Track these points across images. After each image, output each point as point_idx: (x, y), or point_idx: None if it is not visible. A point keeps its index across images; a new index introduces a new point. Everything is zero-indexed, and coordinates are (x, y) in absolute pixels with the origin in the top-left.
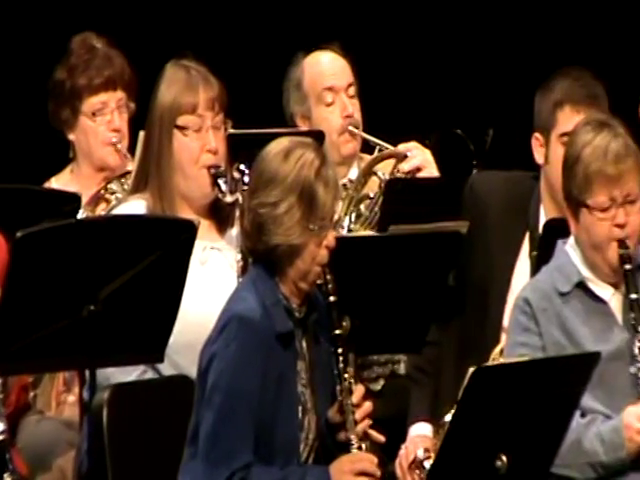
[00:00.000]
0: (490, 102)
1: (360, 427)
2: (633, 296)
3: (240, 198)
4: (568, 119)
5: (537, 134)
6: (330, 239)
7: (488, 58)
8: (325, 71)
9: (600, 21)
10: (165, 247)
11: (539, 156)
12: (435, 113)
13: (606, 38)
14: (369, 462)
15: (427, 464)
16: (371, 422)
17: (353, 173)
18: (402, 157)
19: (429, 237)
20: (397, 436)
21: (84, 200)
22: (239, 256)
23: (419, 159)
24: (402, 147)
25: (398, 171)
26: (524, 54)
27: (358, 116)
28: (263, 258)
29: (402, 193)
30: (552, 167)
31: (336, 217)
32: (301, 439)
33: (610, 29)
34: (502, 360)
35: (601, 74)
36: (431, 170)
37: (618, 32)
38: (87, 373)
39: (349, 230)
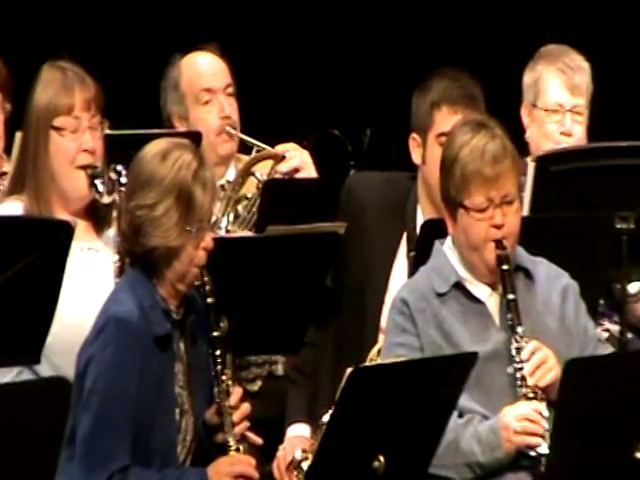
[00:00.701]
0: (367, 102)
1: (238, 429)
2: (510, 296)
3: (117, 199)
4: (445, 119)
5: (414, 134)
6: (208, 240)
7: (365, 58)
8: (203, 72)
9: (476, 21)
10: (42, 248)
11: (416, 156)
12: (312, 114)
13: (482, 38)
14: (247, 464)
15: (305, 465)
16: (249, 424)
17: (231, 174)
18: (280, 158)
19: (306, 238)
20: (275, 437)
21: None
22: (116, 257)
23: (297, 160)
24: (280, 148)
25: (276, 172)
26: (401, 54)
27: (236, 117)
28: (141, 260)
29: (280, 194)
30: (429, 167)
31: (214, 218)
32: (179, 441)
33: (487, 29)
34: (379, 361)
35: (478, 74)
36: (309, 171)
37: (495, 32)
38: None
39: (227, 231)
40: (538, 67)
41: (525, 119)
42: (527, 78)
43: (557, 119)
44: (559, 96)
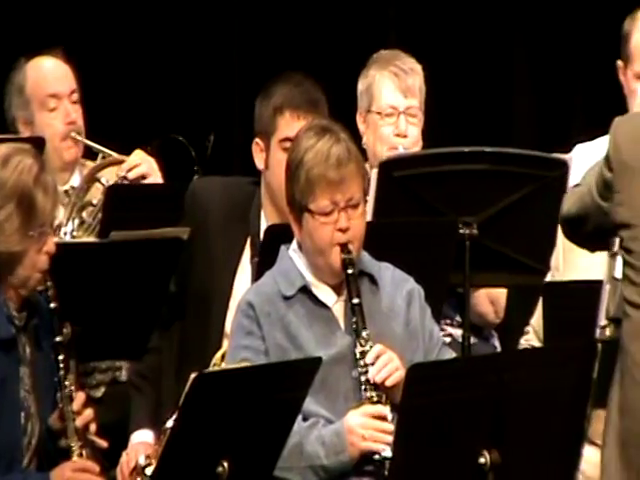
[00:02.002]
0: (210, 108)
1: (82, 432)
2: (355, 300)
3: None
4: (288, 124)
5: (257, 139)
6: (50, 245)
7: (207, 63)
8: (48, 77)
9: (319, 26)
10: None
11: (260, 161)
12: (156, 119)
13: (325, 43)
14: (90, 469)
15: (148, 471)
16: (95, 428)
17: (75, 180)
18: (124, 164)
19: (149, 243)
20: (119, 443)
21: None
22: None
23: (144, 167)
24: (129, 158)
25: (123, 179)
26: (244, 59)
27: (81, 122)
28: None
29: (124, 199)
30: (273, 172)
31: (57, 223)
32: (24, 444)
33: (329, 34)
34: (224, 365)
35: (321, 79)
36: (156, 178)
37: (337, 37)
38: None
39: (72, 237)
40: (370, 72)
41: (361, 126)
42: (360, 85)
43: (392, 122)
44: (392, 99)
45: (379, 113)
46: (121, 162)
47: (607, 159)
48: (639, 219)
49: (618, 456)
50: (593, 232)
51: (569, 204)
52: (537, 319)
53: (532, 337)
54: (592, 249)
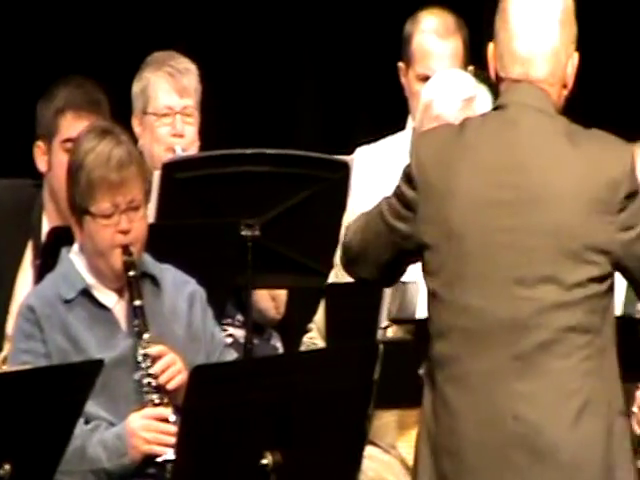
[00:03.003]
0: None
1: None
2: (137, 303)
3: None
4: (70, 125)
5: (39, 142)
6: None
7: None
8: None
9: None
10: None
11: (41, 164)
12: None
13: (104, 45)
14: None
15: None
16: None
17: None
18: None
19: None
20: None
21: None
22: None
23: None
24: None
25: None
26: (25, 62)
27: None
28: None
29: None
30: (55, 174)
31: None
32: None
33: (104, 35)
34: (5, 368)
35: (106, 82)
36: None
37: (133, 41)
38: None
39: None
40: (145, 74)
41: (137, 128)
42: (135, 87)
43: (168, 122)
44: (168, 99)
45: (155, 114)
46: None
47: (409, 178)
48: (445, 241)
49: (432, 466)
50: (380, 263)
51: (351, 233)
52: (320, 317)
53: (315, 335)
54: (383, 283)
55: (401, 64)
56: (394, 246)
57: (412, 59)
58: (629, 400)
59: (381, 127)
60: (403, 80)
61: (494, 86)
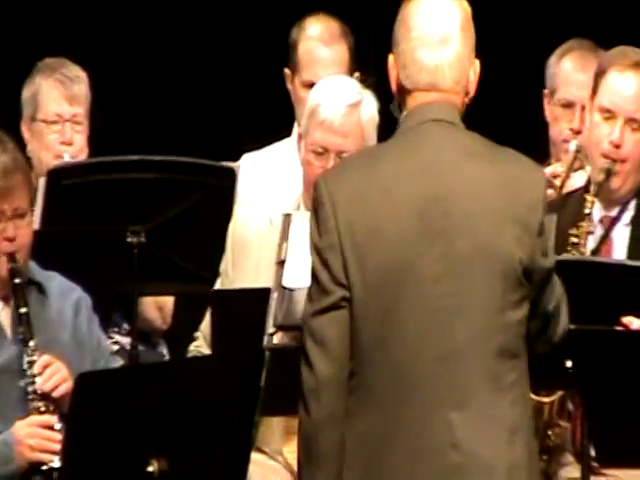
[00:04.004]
0: None
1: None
2: (22, 310)
3: None
4: None
5: None
6: None
7: None
8: None
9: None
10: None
11: None
12: None
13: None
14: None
15: None
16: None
17: None
18: None
19: None
20: None
21: None
22: None
23: None
24: None
25: None
26: None
27: None
28: None
29: None
30: None
31: None
32: None
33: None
34: None
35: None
36: None
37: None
38: None
39: None
40: (36, 80)
41: (26, 134)
42: (25, 92)
43: (57, 130)
44: (58, 107)
45: (44, 121)
46: None
47: (320, 223)
48: (376, 277)
49: None
50: None
51: None
52: (206, 325)
53: (202, 343)
54: None
55: (287, 70)
56: None
57: (298, 66)
58: None
59: (267, 134)
60: (289, 86)
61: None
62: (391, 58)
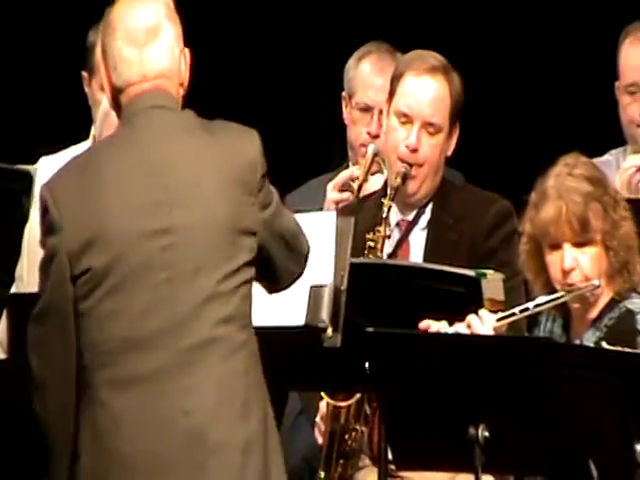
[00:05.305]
0: None
1: None
2: None
3: None
4: None
5: None
6: None
7: None
8: None
9: None
10: None
11: None
12: None
13: None
14: None
15: None
16: None
17: None
18: None
19: None
20: None
21: None
22: None
23: None
24: None
25: None
26: None
27: None
28: None
29: None
30: None
31: None
32: None
33: None
34: None
35: None
36: None
37: None
38: None
39: None
40: None
41: None
42: None
43: None
44: None
45: None
46: None
47: (52, 227)
48: (102, 259)
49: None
50: None
51: None
52: (2, 330)
53: None
54: None
55: (84, 73)
56: None
57: (94, 69)
58: (312, 410)
59: (63, 137)
60: (87, 89)
61: None
62: (101, 65)
